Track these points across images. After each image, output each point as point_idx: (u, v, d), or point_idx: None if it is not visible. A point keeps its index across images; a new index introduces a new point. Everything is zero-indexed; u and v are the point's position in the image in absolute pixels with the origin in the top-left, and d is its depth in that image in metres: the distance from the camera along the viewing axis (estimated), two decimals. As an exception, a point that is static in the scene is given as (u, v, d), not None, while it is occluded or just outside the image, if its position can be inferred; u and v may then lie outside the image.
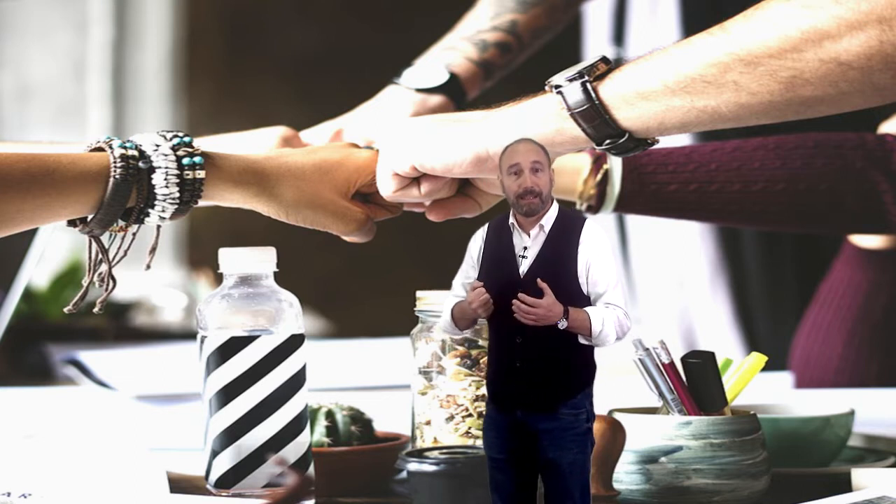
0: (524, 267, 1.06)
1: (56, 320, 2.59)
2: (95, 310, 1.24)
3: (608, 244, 1.07)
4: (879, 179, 1.58)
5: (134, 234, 1.22)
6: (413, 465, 1.24)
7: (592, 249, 1.06)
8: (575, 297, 1.05)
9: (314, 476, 1.29)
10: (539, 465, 1.07)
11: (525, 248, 1.06)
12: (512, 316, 1.04)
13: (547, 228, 1.06)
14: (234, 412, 1.25)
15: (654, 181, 1.54)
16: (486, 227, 1.09)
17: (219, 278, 1.30)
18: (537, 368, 1.05)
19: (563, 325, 1.04)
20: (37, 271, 1.95)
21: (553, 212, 1.07)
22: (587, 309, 1.05)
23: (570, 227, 1.07)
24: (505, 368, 1.06)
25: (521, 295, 1.04)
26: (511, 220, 1.07)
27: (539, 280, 1.04)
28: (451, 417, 1.32)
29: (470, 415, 1.31)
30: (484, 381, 1.30)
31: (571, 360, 1.06)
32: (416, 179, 1.29)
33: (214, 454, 1.26)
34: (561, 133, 1.22)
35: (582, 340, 1.05)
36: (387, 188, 1.30)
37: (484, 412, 1.08)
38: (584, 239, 1.06)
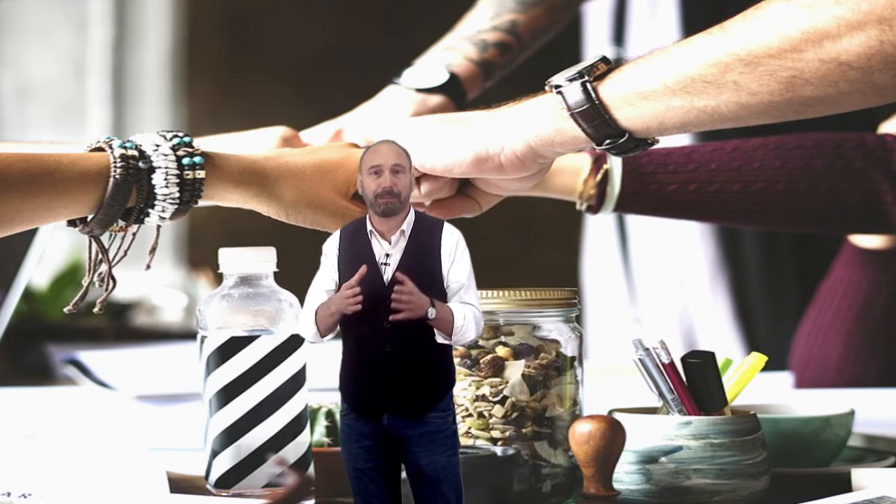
0: (388, 274, 1.05)
1: (56, 320, 2.59)
2: (95, 310, 1.23)
3: (464, 245, 1.06)
4: (879, 179, 1.58)
5: (134, 234, 1.22)
6: (413, 465, 1.24)
7: (451, 251, 1.06)
8: (442, 299, 1.05)
9: (314, 476, 1.29)
10: (408, 472, 1.06)
11: (387, 255, 1.06)
12: (379, 324, 1.04)
13: (408, 234, 1.06)
14: (234, 412, 1.25)
15: (654, 181, 1.54)
16: (338, 233, 1.08)
17: (219, 278, 1.30)
18: (406, 375, 1.05)
19: (432, 314, 1.03)
20: (37, 271, 1.95)
21: (412, 217, 1.07)
22: (448, 304, 1.05)
23: (429, 231, 1.06)
24: (370, 377, 1.06)
25: (397, 284, 1.03)
26: (369, 226, 1.07)
27: (398, 274, 1.03)
28: (451, 417, 1.32)
29: (470, 415, 1.31)
30: (484, 381, 1.30)
31: (437, 364, 1.06)
32: (417, 179, 1.29)
33: (214, 454, 1.26)
34: (561, 133, 1.22)
35: (440, 339, 1.05)
36: (387, 188, 1.29)
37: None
38: (444, 242, 1.06)
